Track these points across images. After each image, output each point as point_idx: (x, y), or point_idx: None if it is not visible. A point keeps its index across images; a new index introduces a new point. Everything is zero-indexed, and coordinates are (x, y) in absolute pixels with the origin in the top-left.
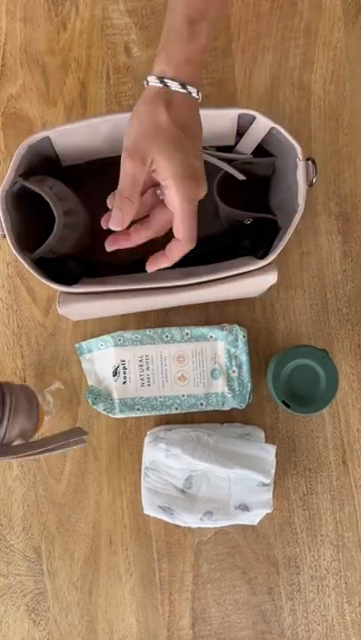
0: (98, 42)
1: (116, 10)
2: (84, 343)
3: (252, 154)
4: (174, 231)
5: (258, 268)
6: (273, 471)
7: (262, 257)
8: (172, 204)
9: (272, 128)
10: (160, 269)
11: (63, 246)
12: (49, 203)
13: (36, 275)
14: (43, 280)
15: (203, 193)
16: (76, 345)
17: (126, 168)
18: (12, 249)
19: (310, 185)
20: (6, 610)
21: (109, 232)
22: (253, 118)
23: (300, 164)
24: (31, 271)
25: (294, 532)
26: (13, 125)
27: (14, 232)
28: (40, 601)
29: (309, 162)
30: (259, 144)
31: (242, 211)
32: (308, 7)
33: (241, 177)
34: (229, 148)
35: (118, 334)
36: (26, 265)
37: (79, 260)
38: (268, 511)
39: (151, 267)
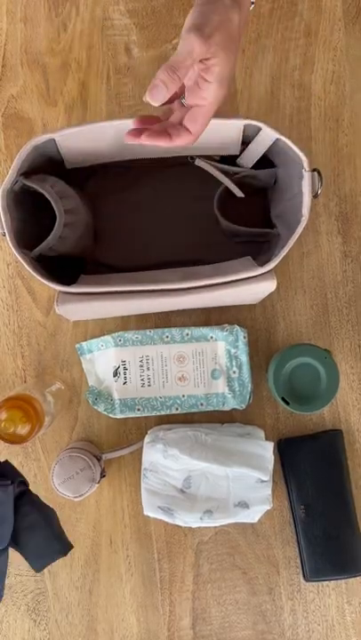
0: (98, 42)
1: (117, 10)
2: (84, 343)
3: (255, 162)
4: (190, 123)
5: (257, 275)
6: (271, 467)
7: (262, 264)
8: (206, 100)
9: (277, 139)
10: (159, 270)
11: (63, 245)
12: (50, 201)
13: (34, 273)
14: (41, 279)
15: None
16: (77, 345)
17: (192, 45)
18: (11, 246)
19: (315, 196)
20: (7, 610)
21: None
22: (259, 129)
23: (306, 175)
24: (29, 269)
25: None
26: (14, 126)
27: (15, 230)
28: (40, 601)
29: (315, 173)
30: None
31: (242, 222)
32: (309, 8)
33: (240, 194)
34: (234, 158)
35: (119, 335)
36: (24, 263)
37: (79, 260)
38: (268, 507)
39: (147, 138)
